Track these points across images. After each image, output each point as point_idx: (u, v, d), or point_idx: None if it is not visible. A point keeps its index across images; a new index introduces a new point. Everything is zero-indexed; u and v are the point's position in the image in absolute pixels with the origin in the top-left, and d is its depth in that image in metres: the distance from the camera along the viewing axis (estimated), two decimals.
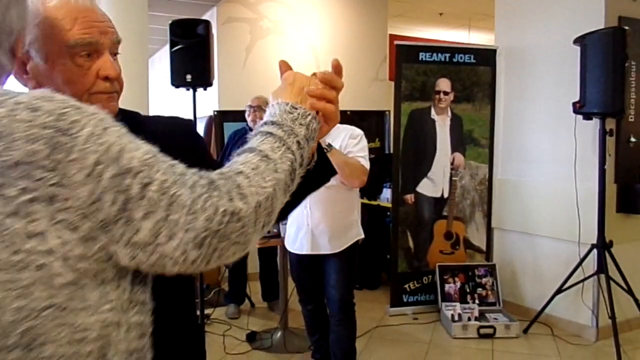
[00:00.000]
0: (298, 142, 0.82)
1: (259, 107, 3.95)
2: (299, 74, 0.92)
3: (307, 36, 5.57)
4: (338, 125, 0.97)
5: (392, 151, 4.45)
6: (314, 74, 0.92)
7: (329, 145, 2.54)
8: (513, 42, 4.21)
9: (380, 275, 4.89)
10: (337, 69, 0.93)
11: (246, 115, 4.01)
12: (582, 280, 3.55)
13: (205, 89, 3.39)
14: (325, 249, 2.82)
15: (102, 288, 0.69)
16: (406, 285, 4.25)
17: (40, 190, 0.64)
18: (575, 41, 3.43)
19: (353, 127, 2.80)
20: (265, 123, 0.84)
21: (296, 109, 0.86)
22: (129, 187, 0.67)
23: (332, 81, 0.91)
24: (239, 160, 0.78)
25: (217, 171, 0.75)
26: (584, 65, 3.38)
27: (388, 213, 4.58)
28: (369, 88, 5.93)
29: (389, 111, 5.42)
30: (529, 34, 4.08)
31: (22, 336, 0.64)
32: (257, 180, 0.74)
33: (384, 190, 4.84)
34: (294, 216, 2.84)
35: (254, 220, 0.73)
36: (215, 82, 3.52)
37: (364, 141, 2.76)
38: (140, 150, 0.69)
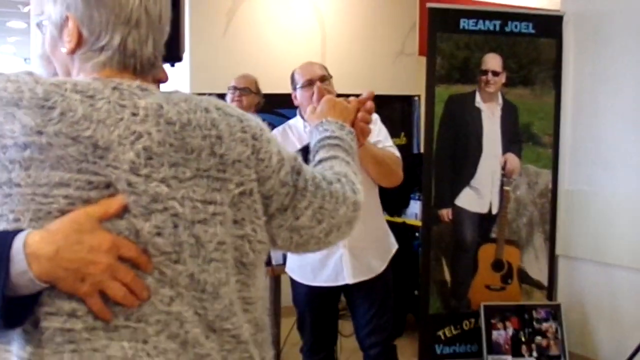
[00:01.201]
0: (354, 152, 1.30)
1: (247, 89, 3.57)
2: (337, 100, 1.43)
3: None
4: None
5: (422, 151, 4.32)
6: (348, 101, 1.46)
7: None
8: (585, 6, 3.92)
9: (406, 317, 4.58)
10: (371, 96, 1.49)
11: (228, 99, 3.57)
12: None
13: (172, 65, 3.11)
14: (369, 272, 2.69)
15: (260, 268, 1.04)
16: (440, 332, 3.93)
17: (246, 184, 0.97)
18: None
19: None
20: (329, 137, 1.27)
21: (345, 126, 1.32)
22: (297, 182, 1.04)
23: (371, 110, 1.45)
24: (335, 164, 1.20)
25: (333, 172, 1.16)
26: None
27: (417, 234, 4.39)
28: (393, 65, 5.61)
29: (419, 96, 5.26)
30: None
31: (237, 305, 0.98)
32: (355, 179, 1.18)
33: (412, 203, 4.62)
34: None
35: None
36: (186, 56, 3.14)
37: (384, 126, 2.74)
38: (291, 153, 1.09)
